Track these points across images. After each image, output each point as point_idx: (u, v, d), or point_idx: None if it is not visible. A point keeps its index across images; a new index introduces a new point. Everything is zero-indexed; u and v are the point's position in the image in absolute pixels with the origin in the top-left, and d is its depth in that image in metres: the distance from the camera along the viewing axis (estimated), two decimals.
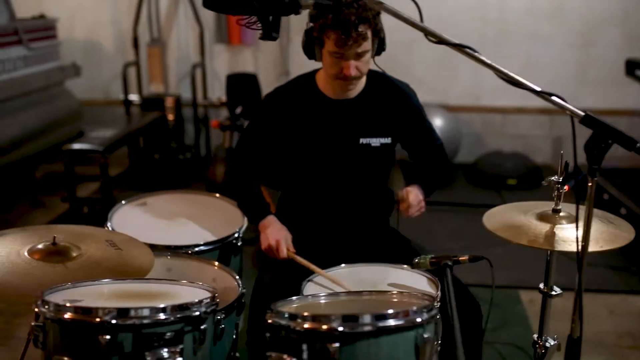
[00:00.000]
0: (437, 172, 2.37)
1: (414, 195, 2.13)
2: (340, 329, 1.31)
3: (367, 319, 1.33)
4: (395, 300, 1.59)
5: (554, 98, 1.39)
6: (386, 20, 1.93)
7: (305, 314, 1.35)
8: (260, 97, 5.00)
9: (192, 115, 5.84)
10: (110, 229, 2.30)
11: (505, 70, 1.42)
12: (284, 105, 2.24)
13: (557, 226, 1.79)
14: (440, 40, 1.43)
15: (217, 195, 2.62)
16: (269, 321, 1.42)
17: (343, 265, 2.05)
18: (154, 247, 2.20)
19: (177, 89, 6.06)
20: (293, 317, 1.34)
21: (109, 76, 6.06)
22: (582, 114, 1.39)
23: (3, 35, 4.71)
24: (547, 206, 1.87)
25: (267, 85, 6.00)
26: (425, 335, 1.36)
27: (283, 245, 2.10)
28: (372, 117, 2.24)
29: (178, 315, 1.40)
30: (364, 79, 2.23)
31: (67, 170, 4.36)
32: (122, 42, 6.04)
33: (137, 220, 2.42)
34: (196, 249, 2.24)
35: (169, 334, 1.37)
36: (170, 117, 5.62)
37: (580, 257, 1.49)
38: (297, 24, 5.85)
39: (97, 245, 1.92)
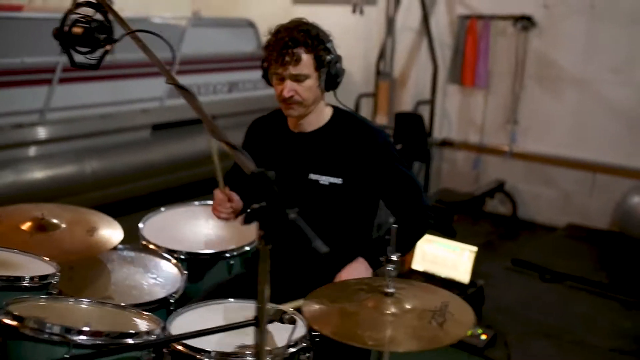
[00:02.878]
0: (400, 236, 2.16)
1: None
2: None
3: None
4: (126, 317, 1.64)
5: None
6: None
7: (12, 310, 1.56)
8: (425, 138, 4.88)
9: None
10: (142, 224, 2.73)
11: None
12: (259, 134, 2.36)
13: (384, 316, 1.55)
14: (170, 82, 1.47)
15: None
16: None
17: (231, 299, 2.09)
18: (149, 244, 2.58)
19: None
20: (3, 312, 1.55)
21: (350, 103, 6.58)
22: (252, 169, 1.28)
23: (248, 60, 5.63)
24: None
25: (491, 131, 5.79)
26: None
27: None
28: (325, 154, 2.19)
29: None
30: (324, 113, 2.21)
31: None
32: (368, 75, 6.50)
33: (169, 222, 2.80)
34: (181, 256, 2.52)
35: None
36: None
37: None
38: (531, 70, 5.50)
39: (77, 228, 2.37)
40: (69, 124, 4.45)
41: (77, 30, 1.64)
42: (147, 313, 1.82)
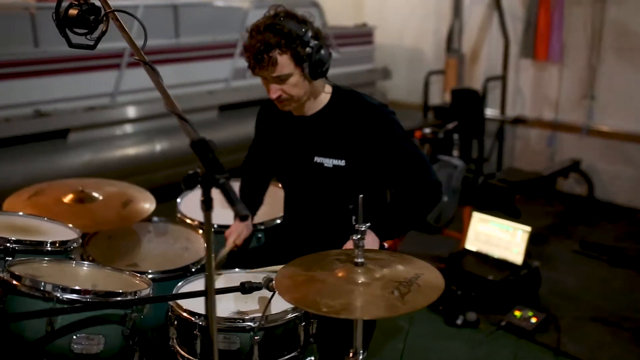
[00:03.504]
0: (407, 208, 2.16)
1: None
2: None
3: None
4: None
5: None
6: None
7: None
8: (482, 114, 4.70)
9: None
10: (179, 199, 2.86)
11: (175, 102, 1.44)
12: (267, 117, 2.39)
13: (349, 285, 1.56)
14: (139, 59, 1.53)
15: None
16: None
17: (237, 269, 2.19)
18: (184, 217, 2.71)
19: None
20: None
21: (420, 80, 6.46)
22: (198, 137, 1.31)
23: None
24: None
25: (566, 108, 5.52)
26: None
27: (231, 237, 2.34)
28: (327, 137, 2.19)
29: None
30: (322, 96, 2.20)
31: None
32: (438, 51, 6.36)
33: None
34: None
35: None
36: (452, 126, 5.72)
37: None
38: (610, 41, 5.17)
39: (113, 201, 2.54)
40: (138, 106, 4.69)
41: (72, 12, 1.74)
42: (141, 276, 1.95)
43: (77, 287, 1.66)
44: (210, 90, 5.07)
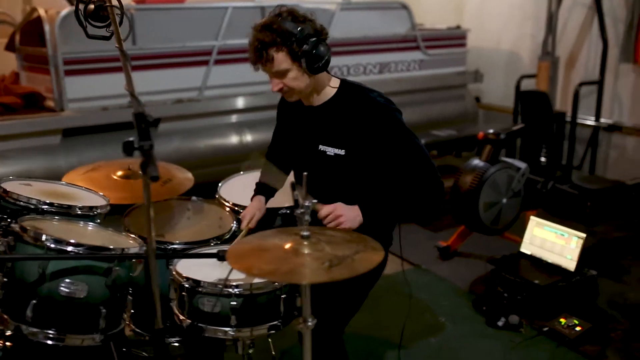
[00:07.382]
0: (401, 196, 2.22)
1: (328, 208, 2.16)
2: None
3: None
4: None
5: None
6: None
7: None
8: (551, 117, 4.47)
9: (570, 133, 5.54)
10: (220, 183, 3.11)
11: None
12: (283, 107, 2.52)
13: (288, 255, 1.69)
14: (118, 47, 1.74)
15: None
16: None
17: None
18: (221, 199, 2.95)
19: (564, 106, 5.82)
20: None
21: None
22: (139, 111, 1.48)
23: (401, 42, 5.74)
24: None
25: None
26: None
27: (245, 220, 2.49)
28: (331, 127, 2.28)
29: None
30: (328, 89, 2.28)
31: None
32: (535, 55, 6.17)
33: (243, 182, 3.10)
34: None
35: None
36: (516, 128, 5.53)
37: None
38: None
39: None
40: (223, 100, 5.05)
41: (90, 7, 2.02)
42: (135, 237, 2.19)
43: (65, 239, 1.94)
44: None
